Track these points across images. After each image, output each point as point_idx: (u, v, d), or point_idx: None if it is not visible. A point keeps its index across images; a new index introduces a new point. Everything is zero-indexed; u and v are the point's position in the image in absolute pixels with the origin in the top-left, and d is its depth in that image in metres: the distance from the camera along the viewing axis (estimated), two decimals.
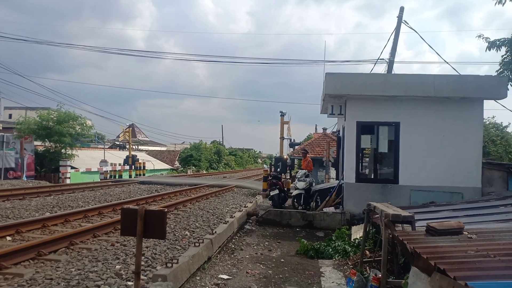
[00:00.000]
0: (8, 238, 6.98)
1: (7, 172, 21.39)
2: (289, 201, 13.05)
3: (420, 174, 9.64)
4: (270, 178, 13.71)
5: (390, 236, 4.78)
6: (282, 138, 17.21)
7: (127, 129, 31.82)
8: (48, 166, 23.97)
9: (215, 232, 7.30)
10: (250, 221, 10.49)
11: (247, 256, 7.11)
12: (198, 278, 5.55)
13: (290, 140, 18.39)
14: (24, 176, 21.63)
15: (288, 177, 15.42)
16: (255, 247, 7.93)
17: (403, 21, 16.26)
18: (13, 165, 21.74)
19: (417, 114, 9.81)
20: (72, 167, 24.01)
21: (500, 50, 11.66)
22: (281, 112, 17.23)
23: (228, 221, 8.61)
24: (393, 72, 16.35)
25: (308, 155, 14.59)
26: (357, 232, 8.08)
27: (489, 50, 11.72)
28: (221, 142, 63.82)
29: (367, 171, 11.14)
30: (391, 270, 5.22)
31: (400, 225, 4.79)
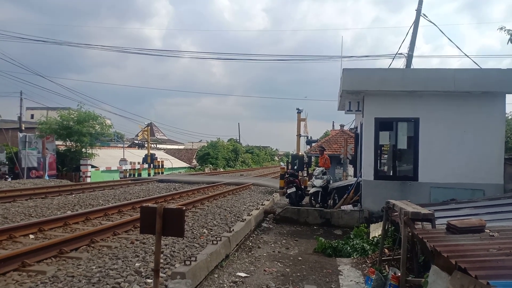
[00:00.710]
0: (31, 236, 7.16)
1: (29, 172, 21.98)
2: (306, 199, 12.99)
3: (440, 171, 9.47)
4: (287, 176, 13.68)
5: (410, 234, 4.71)
6: (298, 135, 17.09)
7: (146, 128, 32.24)
8: (69, 165, 24.53)
9: (233, 230, 7.33)
10: (267, 219, 10.50)
11: (265, 254, 7.12)
12: (216, 275, 5.59)
13: (307, 137, 18.25)
14: (46, 175, 22.15)
15: (305, 174, 15.35)
16: (272, 245, 7.93)
17: (422, 14, 15.96)
18: (35, 165, 22.33)
19: (437, 110, 9.63)
20: (93, 166, 24.54)
21: None
22: (297, 109, 17.10)
23: (245, 219, 8.64)
24: (412, 67, 16.08)
25: (325, 153, 14.46)
26: (375, 230, 8.00)
27: (511, 43, 11.37)
28: (238, 140, 63.96)
29: (385, 168, 11.01)
30: (411, 269, 5.15)
31: (420, 223, 4.72)
